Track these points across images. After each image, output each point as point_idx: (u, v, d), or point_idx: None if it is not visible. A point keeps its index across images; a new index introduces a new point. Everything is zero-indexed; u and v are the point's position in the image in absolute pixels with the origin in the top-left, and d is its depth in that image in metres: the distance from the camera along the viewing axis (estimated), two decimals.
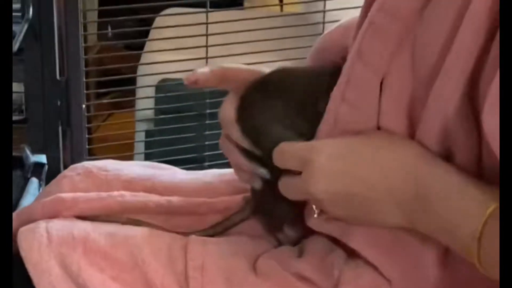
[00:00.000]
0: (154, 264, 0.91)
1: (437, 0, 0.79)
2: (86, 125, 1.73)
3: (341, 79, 0.85)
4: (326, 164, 0.81)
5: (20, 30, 1.55)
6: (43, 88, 1.67)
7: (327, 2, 1.75)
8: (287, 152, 0.85)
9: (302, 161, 0.83)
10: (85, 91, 1.70)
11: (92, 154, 1.80)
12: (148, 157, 1.88)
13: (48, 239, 0.92)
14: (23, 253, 0.91)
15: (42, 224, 0.94)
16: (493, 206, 0.73)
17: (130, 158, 1.87)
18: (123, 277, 0.91)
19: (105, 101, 2.06)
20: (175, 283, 0.89)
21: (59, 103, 1.69)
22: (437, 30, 0.78)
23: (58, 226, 0.94)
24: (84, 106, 1.71)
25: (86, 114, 1.71)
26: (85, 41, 1.71)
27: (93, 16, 2.29)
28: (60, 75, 1.67)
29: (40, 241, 0.92)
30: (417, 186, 0.78)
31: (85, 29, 1.77)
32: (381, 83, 0.83)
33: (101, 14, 2.24)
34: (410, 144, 0.81)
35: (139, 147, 1.97)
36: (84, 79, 1.69)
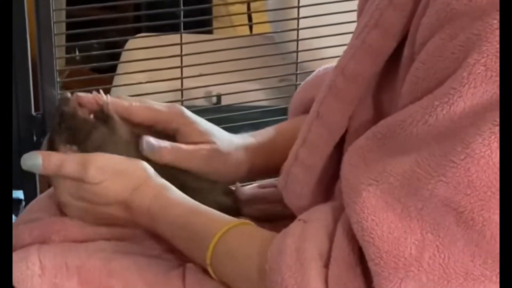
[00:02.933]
0: None
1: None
2: None
3: (297, 141, 0.88)
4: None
5: None
6: (18, 124, 1.65)
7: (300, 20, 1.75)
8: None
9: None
10: None
11: None
12: None
13: (41, 269, 0.91)
14: (15, 284, 0.90)
15: (33, 252, 0.92)
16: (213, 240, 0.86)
17: None
18: None
19: None
20: None
21: (35, 138, 1.67)
22: None
23: (50, 254, 0.92)
24: None
25: None
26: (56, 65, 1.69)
27: (61, 40, 2.27)
28: (35, 111, 1.66)
29: (33, 271, 0.90)
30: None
31: None
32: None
33: (68, 37, 2.22)
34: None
35: None
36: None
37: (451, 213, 0.70)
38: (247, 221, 0.91)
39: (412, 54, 0.77)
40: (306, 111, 0.90)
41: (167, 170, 0.98)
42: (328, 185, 0.89)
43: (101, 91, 1.00)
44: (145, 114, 1.01)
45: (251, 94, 1.74)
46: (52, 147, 0.97)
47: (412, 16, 0.78)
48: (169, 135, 1.02)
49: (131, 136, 0.99)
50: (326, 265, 0.76)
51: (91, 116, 0.99)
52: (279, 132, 1.05)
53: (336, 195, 0.89)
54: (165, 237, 0.93)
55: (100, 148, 0.97)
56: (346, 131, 0.85)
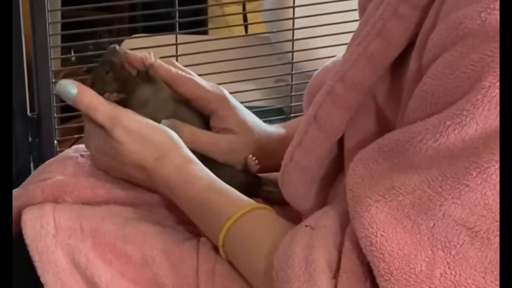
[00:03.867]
0: (164, 264, 0.89)
1: None
2: None
3: (293, 142, 0.87)
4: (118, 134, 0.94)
5: None
6: (13, 125, 1.65)
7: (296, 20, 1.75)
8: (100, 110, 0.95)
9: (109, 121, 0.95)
10: (56, 126, 1.69)
11: None
12: None
13: (55, 229, 0.91)
14: (28, 241, 0.90)
15: (48, 210, 0.92)
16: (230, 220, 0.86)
17: None
18: (131, 273, 0.89)
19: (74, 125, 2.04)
20: (185, 285, 0.89)
21: (30, 139, 1.67)
22: None
23: (66, 214, 0.92)
24: (56, 141, 1.69)
25: (58, 149, 1.69)
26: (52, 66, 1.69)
27: (56, 40, 2.27)
28: (30, 112, 1.66)
29: (47, 230, 0.91)
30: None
31: None
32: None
33: (64, 38, 2.22)
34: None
35: None
36: (55, 115, 1.67)
37: (465, 232, 0.70)
38: (264, 205, 0.90)
39: (419, 68, 0.76)
40: None
41: None
42: (323, 187, 0.89)
43: (151, 52, 0.99)
44: (188, 86, 1.01)
45: (246, 94, 1.74)
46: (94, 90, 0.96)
47: (417, 28, 0.78)
48: (205, 114, 1.02)
49: (171, 101, 1.00)
50: (335, 276, 0.76)
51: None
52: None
53: (332, 197, 0.89)
54: (182, 209, 0.94)
55: (142, 104, 0.97)
56: (343, 135, 0.85)
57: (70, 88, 0.95)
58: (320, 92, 0.85)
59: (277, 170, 0.91)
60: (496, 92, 0.68)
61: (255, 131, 1.02)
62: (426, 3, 0.77)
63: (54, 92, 1.64)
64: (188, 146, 0.97)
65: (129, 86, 0.97)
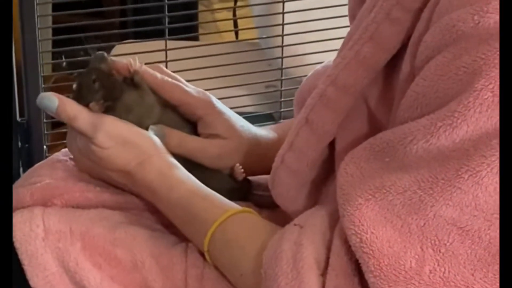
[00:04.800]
0: (154, 268, 0.89)
1: None
2: None
3: (284, 145, 0.88)
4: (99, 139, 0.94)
5: None
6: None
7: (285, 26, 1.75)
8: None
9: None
10: (46, 132, 1.69)
11: None
12: None
13: (45, 232, 0.91)
14: (17, 244, 0.90)
15: (38, 213, 0.92)
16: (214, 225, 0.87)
17: None
18: (121, 277, 0.90)
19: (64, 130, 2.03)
20: None
21: (19, 144, 1.67)
22: None
23: (55, 218, 0.92)
24: (45, 147, 1.69)
25: (47, 154, 1.68)
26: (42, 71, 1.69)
27: (46, 46, 2.27)
28: (20, 117, 1.66)
29: (36, 233, 0.91)
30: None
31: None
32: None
33: (54, 43, 2.22)
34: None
35: None
36: (45, 120, 1.67)
37: (455, 231, 0.70)
38: (248, 209, 0.91)
39: (412, 70, 0.77)
40: None
41: None
42: (313, 189, 0.89)
43: (136, 58, 0.99)
44: (173, 92, 1.00)
45: (236, 100, 1.74)
46: (80, 100, 0.96)
47: (409, 31, 0.79)
48: (191, 121, 1.02)
49: (157, 106, 1.00)
50: (323, 274, 0.77)
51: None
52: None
53: (323, 198, 0.89)
54: (165, 214, 0.94)
55: (128, 110, 0.97)
56: (334, 138, 0.86)
57: (51, 100, 0.95)
58: (311, 95, 0.85)
59: (268, 173, 0.92)
60: (488, 94, 0.68)
61: (243, 135, 1.02)
62: (419, 7, 0.78)
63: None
64: (176, 152, 0.97)
65: (115, 93, 0.97)
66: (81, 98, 0.96)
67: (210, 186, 0.94)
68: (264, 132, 1.05)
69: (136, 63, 0.98)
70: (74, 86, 0.98)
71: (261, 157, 1.02)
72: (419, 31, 0.77)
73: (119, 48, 2.00)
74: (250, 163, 1.02)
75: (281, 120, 1.82)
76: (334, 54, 0.87)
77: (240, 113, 1.06)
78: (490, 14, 0.69)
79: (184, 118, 1.02)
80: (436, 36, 0.73)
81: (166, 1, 1.67)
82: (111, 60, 0.98)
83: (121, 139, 0.94)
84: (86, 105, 0.96)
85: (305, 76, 1.07)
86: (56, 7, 2.33)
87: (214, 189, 0.94)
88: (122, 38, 2.21)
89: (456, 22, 0.71)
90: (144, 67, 1.00)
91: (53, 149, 1.80)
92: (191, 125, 1.02)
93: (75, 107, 0.95)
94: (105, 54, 0.99)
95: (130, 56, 1.00)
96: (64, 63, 2.46)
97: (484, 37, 0.69)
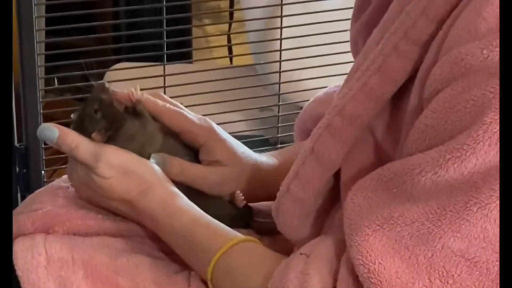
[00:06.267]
0: None
1: None
2: None
3: (290, 173, 0.88)
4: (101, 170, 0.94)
5: None
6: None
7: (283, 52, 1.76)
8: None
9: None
10: (44, 157, 1.68)
11: None
12: None
13: (47, 260, 0.90)
14: (19, 272, 0.90)
15: (39, 241, 0.92)
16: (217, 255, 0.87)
17: None
18: None
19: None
20: None
21: (17, 169, 1.67)
22: None
23: (57, 245, 0.92)
24: (43, 172, 1.69)
25: (45, 180, 1.69)
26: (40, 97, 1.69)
27: (40, 71, 2.27)
28: (18, 142, 1.66)
29: (39, 261, 0.90)
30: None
31: None
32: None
33: (47, 69, 2.22)
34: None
35: None
36: (43, 145, 1.67)
37: (463, 262, 0.71)
38: (251, 237, 0.91)
39: (420, 102, 0.77)
40: (313, 126, 0.91)
41: None
42: (318, 218, 0.90)
43: (137, 87, 0.99)
44: (175, 120, 1.00)
45: (233, 124, 1.75)
46: (81, 130, 0.97)
47: (417, 64, 0.79)
48: (193, 147, 1.02)
49: (159, 134, 1.00)
50: None
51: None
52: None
53: (327, 227, 0.90)
54: (167, 242, 0.94)
55: (130, 140, 0.97)
56: (340, 167, 0.86)
57: (51, 131, 0.96)
58: (318, 125, 0.85)
59: (269, 199, 0.92)
60: (497, 128, 0.69)
61: (244, 161, 1.02)
62: (427, 39, 0.78)
63: (42, 123, 1.64)
64: (177, 180, 0.98)
65: (117, 123, 0.97)
66: (83, 128, 0.97)
67: (210, 213, 0.94)
68: (264, 158, 1.06)
69: (137, 92, 0.99)
70: (73, 115, 0.98)
71: (262, 184, 1.02)
72: (427, 63, 0.77)
73: (114, 71, 1.99)
74: (251, 190, 1.02)
75: (278, 145, 1.82)
76: (331, 79, 0.88)
77: (236, 138, 1.07)
78: (499, 49, 0.70)
79: (186, 145, 1.02)
80: (445, 69, 0.73)
81: (165, 28, 1.67)
82: (112, 90, 0.98)
83: (122, 168, 0.95)
84: (88, 135, 0.96)
85: (302, 101, 1.08)
86: (52, 31, 2.34)
87: (214, 216, 0.94)
88: (116, 60, 2.20)
89: (465, 56, 0.71)
90: (146, 95, 1.00)
91: (51, 174, 1.80)
92: (193, 152, 1.03)
93: (76, 137, 0.95)
94: (106, 83, 0.99)
95: (131, 83, 1.01)
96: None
97: (493, 70, 0.70)
